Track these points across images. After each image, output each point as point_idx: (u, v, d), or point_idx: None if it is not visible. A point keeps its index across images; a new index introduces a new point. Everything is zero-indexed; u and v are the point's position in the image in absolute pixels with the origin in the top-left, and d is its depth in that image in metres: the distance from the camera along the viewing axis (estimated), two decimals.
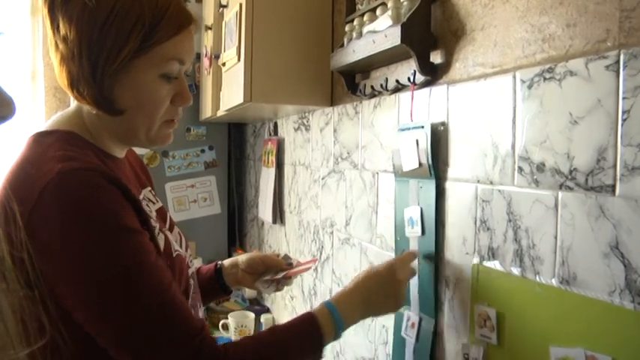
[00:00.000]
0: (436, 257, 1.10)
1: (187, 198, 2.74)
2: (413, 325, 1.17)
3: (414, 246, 1.16)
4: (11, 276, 0.46)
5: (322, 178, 1.77)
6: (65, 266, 0.76)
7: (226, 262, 1.28)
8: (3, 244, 0.45)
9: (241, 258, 1.26)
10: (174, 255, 0.94)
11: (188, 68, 0.92)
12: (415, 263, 1.11)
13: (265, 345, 0.88)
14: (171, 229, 1.04)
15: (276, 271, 1.24)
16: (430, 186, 1.10)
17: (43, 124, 0.93)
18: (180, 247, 1.01)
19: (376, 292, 1.01)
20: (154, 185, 1.13)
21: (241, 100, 1.63)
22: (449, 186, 1.07)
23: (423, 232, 1.13)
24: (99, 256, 0.77)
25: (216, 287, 1.24)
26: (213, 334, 2.17)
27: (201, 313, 1.07)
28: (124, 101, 0.86)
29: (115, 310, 0.78)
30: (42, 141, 0.86)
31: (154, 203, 1.03)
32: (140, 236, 0.82)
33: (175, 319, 0.81)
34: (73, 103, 0.93)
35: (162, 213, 1.04)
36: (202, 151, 2.76)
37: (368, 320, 1.44)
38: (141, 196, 0.97)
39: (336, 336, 0.95)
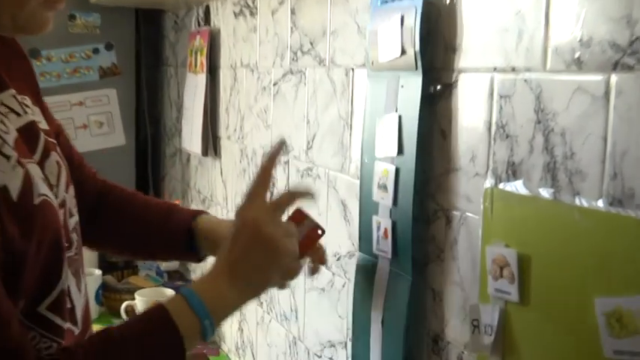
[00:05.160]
0: (422, 188, 1.13)
1: (73, 122, 2.71)
2: None
3: (390, 170, 1.18)
4: None
5: (274, 84, 1.78)
6: None
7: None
8: None
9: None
10: (35, 201, 0.92)
11: None
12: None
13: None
14: (45, 157, 1.02)
15: None
16: (414, 84, 1.12)
17: None
18: (53, 186, 1.01)
19: (243, 259, 1.01)
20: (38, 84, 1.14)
21: None
22: (453, 80, 1.08)
23: (401, 150, 1.15)
24: None
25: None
26: (112, 323, 2.12)
27: (83, 284, 1.07)
28: None
29: None
30: None
31: (18, 115, 1.01)
32: None
33: None
34: None
35: (31, 131, 1.02)
36: (95, 50, 2.73)
37: (336, 288, 1.44)
38: None
39: (205, 331, 0.95)
